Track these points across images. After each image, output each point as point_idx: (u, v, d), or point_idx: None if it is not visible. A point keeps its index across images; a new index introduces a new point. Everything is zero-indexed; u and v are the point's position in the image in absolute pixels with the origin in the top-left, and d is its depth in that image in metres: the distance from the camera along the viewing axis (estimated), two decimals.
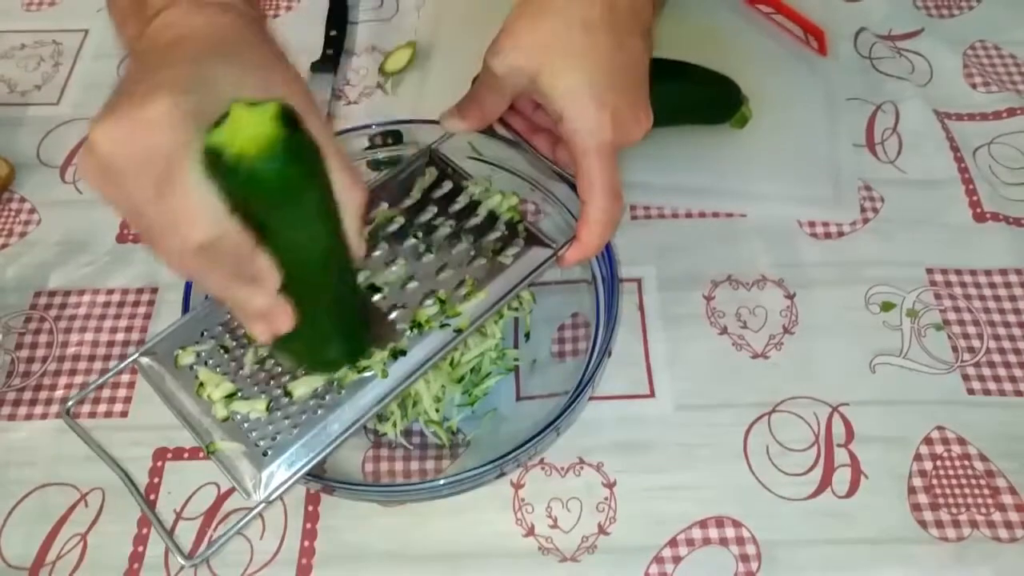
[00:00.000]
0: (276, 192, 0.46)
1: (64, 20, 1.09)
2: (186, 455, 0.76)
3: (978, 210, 0.89)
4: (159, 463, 0.76)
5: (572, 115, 0.62)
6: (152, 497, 0.74)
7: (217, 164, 0.45)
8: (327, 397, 0.63)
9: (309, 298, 0.54)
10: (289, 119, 0.44)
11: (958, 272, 0.85)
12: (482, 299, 0.66)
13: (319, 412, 0.62)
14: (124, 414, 0.78)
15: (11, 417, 0.79)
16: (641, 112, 0.64)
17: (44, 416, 0.78)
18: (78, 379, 0.80)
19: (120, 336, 0.83)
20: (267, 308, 0.53)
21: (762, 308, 0.83)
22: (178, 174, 0.46)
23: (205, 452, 0.61)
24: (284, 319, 0.54)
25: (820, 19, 1.03)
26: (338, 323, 0.60)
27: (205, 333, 0.66)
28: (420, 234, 0.70)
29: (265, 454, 0.60)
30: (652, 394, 0.78)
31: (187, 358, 0.65)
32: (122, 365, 0.66)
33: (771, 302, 0.84)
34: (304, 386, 0.62)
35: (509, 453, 0.64)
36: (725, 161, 0.93)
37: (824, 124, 0.96)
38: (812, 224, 0.89)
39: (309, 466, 0.60)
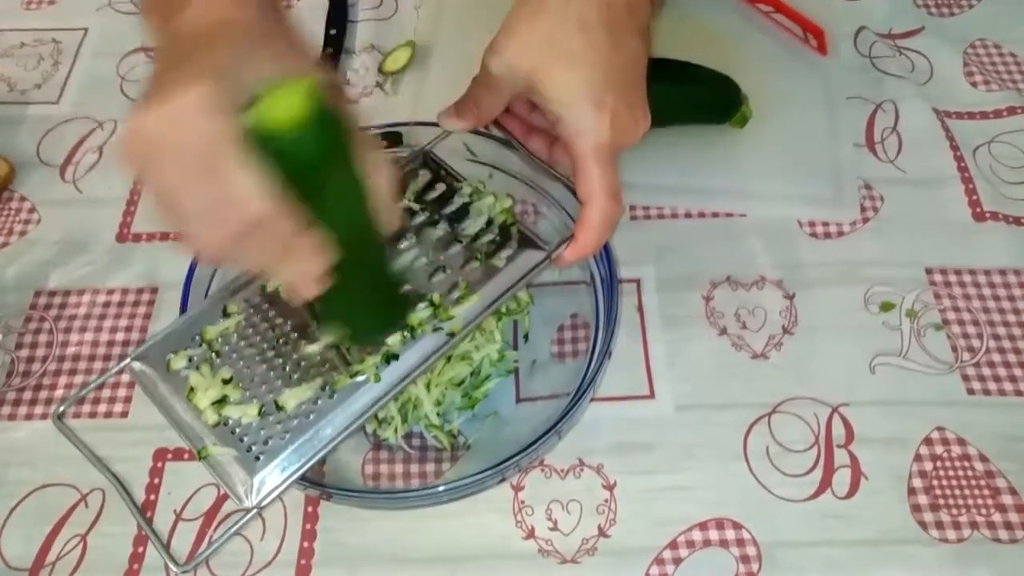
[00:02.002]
0: (316, 160, 0.48)
1: (64, 19, 1.09)
2: (186, 456, 0.76)
3: (978, 209, 0.89)
4: (159, 463, 0.76)
5: (570, 116, 0.62)
6: (152, 497, 0.74)
7: (257, 140, 0.46)
8: (319, 402, 0.62)
9: (351, 271, 0.56)
10: (321, 94, 0.46)
11: (958, 272, 0.85)
12: (475, 303, 0.66)
13: (311, 417, 0.62)
14: (124, 414, 0.78)
15: (11, 417, 0.79)
16: (639, 113, 0.64)
17: (44, 416, 0.78)
18: (78, 379, 0.80)
19: (120, 336, 0.83)
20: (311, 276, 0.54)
21: (761, 309, 0.83)
22: (224, 156, 0.47)
23: (197, 457, 0.61)
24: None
25: (820, 18, 1.03)
26: (378, 293, 0.63)
27: (198, 337, 0.66)
28: (413, 237, 0.70)
29: (257, 459, 0.60)
30: (652, 395, 0.78)
31: (179, 363, 0.65)
32: (114, 370, 0.66)
33: (770, 302, 0.84)
34: (294, 398, 0.62)
35: (510, 458, 0.64)
36: (724, 161, 0.92)
37: (824, 124, 0.95)
38: (812, 224, 0.89)
39: (301, 471, 0.60)
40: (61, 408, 0.65)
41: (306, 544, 0.72)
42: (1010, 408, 0.77)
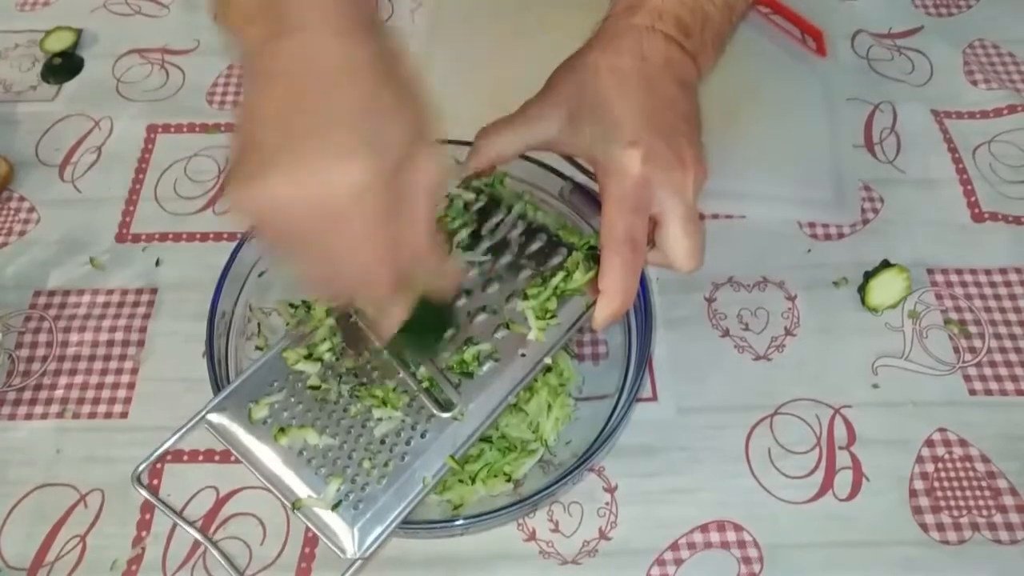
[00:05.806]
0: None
1: (58, 20, 1.07)
2: (185, 457, 0.76)
3: (976, 210, 0.89)
4: (159, 465, 0.75)
5: (600, 153, 0.62)
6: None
7: None
8: (411, 443, 0.63)
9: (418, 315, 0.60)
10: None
11: (959, 272, 0.85)
12: (555, 325, 0.65)
13: (405, 459, 0.62)
14: (124, 415, 0.78)
15: (11, 417, 0.78)
16: (685, 153, 0.62)
17: (44, 416, 0.78)
18: (78, 379, 0.80)
19: (120, 336, 0.82)
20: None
21: (763, 310, 0.83)
22: (384, 230, 0.50)
23: (291, 509, 0.61)
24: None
25: (818, 19, 1.03)
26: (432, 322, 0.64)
27: (275, 384, 0.65)
28: (483, 263, 0.69)
29: (356, 507, 0.61)
30: (655, 398, 0.78)
31: (261, 411, 0.64)
32: (189, 424, 0.64)
33: (772, 304, 0.84)
34: (384, 419, 0.63)
35: (545, 489, 0.65)
36: (725, 162, 0.92)
37: (824, 125, 0.95)
38: (812, 225, 0.89)
39: (402, 515, 0.61)
40: (141, 467, 0.63)
41: (307, 549, 0.72)
42: (1011, 408, 0.78)
